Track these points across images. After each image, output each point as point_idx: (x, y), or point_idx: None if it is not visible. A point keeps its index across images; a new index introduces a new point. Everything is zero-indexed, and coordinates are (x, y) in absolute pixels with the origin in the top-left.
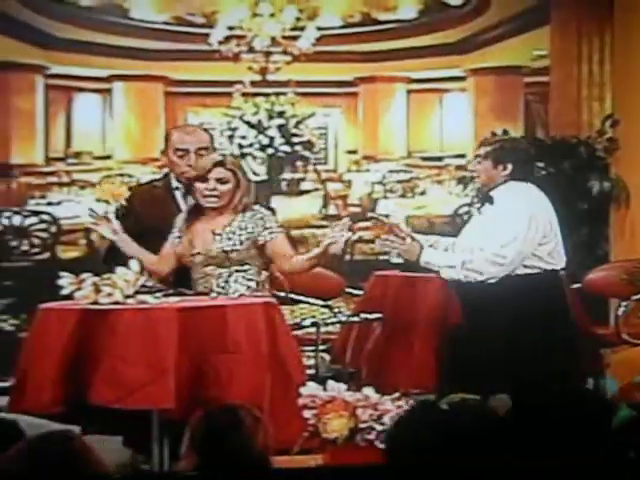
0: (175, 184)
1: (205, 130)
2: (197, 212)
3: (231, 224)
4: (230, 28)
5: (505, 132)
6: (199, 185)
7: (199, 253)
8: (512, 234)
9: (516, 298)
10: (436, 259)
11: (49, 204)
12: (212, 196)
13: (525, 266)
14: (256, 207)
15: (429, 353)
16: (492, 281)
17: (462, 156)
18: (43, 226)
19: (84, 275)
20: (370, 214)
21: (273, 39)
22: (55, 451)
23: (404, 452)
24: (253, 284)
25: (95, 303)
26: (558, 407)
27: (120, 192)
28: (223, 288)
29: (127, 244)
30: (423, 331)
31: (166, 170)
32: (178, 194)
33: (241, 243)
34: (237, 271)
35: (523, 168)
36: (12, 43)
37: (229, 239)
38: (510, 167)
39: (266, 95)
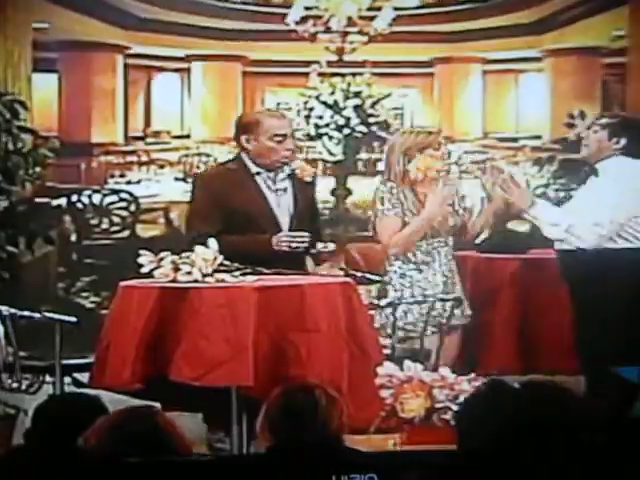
0: (256, 169)
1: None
2: None
3: None
4: (307, 8)
5: (582, 113)
6: None
7: None
8: (611, 204)
9: (620, 271)
10: (546, 214)
11: (129, 183)
12: None
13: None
14: None
15: (509, 335)
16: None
17: (538, 137)
18: (123, 204)
19: (163, 253)
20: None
21: (350, 19)
22: (139, 426)
23: (473, 433)
24: None
25: (174, 281)
26: None
27: None
28: None
29: None
30: (502, 312)
31: (236, 154)
32: (260, 179)
33: None
34: None
35: (636, 145)
36: (94, 23)
37: None
38: (623, 142)
39: (342, 75)
